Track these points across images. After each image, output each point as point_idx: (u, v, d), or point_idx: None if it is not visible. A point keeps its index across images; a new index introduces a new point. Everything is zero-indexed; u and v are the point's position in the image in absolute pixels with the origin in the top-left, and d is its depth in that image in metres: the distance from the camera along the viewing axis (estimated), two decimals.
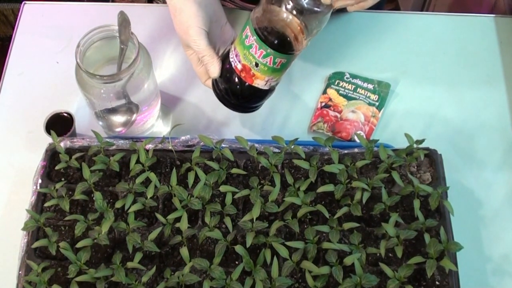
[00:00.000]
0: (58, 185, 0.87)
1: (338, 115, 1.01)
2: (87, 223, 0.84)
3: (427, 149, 0.90)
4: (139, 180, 0.87)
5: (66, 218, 0.85)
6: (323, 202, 0.87)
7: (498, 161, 0.99)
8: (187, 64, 1.09)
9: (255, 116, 1.03)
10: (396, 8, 2.07)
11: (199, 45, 0.85)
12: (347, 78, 1.05)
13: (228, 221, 0.84)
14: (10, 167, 0.99)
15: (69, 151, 0.91)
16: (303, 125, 1.03)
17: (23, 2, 1.15)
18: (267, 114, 1.03)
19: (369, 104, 1.02)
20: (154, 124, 1.01)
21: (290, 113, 1.04)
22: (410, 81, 1.07)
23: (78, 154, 0.90)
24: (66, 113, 0.97)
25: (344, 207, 0.84)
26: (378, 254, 0.83)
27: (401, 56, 1.09)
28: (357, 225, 0.82)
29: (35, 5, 1.16)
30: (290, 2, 0.75)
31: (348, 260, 0.79)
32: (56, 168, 0.89)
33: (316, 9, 0.76)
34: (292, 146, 0.89)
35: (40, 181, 0.89)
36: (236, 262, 0.83)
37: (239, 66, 0.82)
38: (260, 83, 0.82)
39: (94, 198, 0.86)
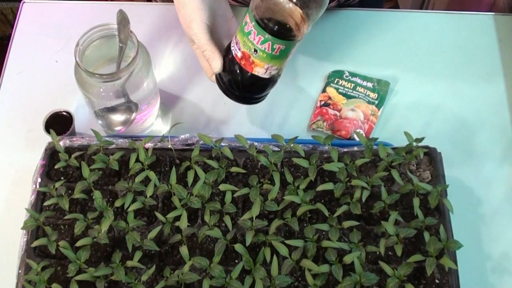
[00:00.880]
0: (57, 184, 0.87)
1: (338, 114, 1.01)
2: (87, 222, 0.84)
3: (426, 147, 0.90)
4: (138, 179, 0.87)
5: (66, 217, 0.85)
6: (322, 201, 0.87)
7: (498, 159, 0.99)
8: (187, 63, 1.09)
9: (254, 115, 1.03)
10: (395, 6, 2.07)
11: (200, 39, 0.84)
12: (346, 76, 1.05)
13: (227, 220, 0.84)
14: (9, 166, 0.99)
15: (69, 150, 0.91)
16: (303, 124, 1.03)
17: (22, 1, 1.15)
18: (266, 113, 1.03)
19: (369, 102, 1.02)
20: (153, 123, 1.01)
21: (289, 112, 1.04)
22: (410, 79, 1.07)
23: (77, 153, 0.90)
24: (65, 112, 0.97)
25: (344, 205, 0.84)
26: (377, 253, 0.83)
27: (400, 54, 1.09)
28: (357, 223, 0.82)
29: (34, 4, 1.15)
30: None
31: (347, 259, 0.79)
32: (56, 167, 0.89)
33: None
34: (292, 145, 0.89)
35: (39, 180, 0.89)
36: (236, 261, 0.83)
37: (239, 54, 0.81)
38: (260, 71, 0.81)
39: (93, 197, 0.86)
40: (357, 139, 0.93)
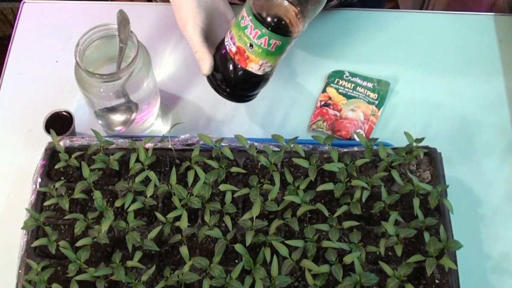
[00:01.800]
0: (57, 184, 0.87)
1: (338, 114, 1.01)
2: (87, 222, 0.84)
3: (426, 147, 0.90)
4: (138, 179, 0.87)
5: (66, 217, 0.85)
6: (322, 201, 0.87)
7: (498, 159, 0.99)
8: (187, 63, 1.09)
9: (254, 115, 1.03)
10: (396, 6, 2.07)
11: (193, 40, 0.85)
12: (346, 76, 1.05)
13: (227, 220, 0.84)
14: (9, 166, 0.99)
15: (69, 150, 0.91)
16: (303, 124, 1.03)
17: (23, 1, 1.15)
18: (266, 113, 1.04)
19: (369, 102, 1.02)
20: (153, 123, 1.01)
21: (289, 112, 1.04)
22: (410, 79, 1.07)
23: (77, 153, 0.90)
24: (65, 112, 0.97)
25: (344, 205, 0.84)
26: (377, 253, 0.83)
27: (400, 55, 1.09)
28: (357, 223, 0.82)
29: (35, 4, 1.15)
30: None
31: (347, 259, 0.79)
32: (56, 167, 0.89)
33: None
34: (292, 145, 0.89)
35: (39, 180, 0.89)
36: (236, 261, 0.83)
37: (234, 49, 0.81)
38: (254, 67, 0.81)
39: (93, 197, 0.86)
40: (357, 139, 0.93)
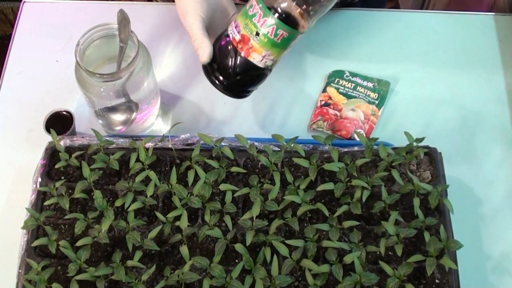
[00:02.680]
0: (58, 184, 0.87)
1: (338, 114, 1.01)
2: (87, 221, 0.84)
3: (427, 147, 0.90)
4: (139, 178, 0.87)
5: (66, 217, 0.85)
6: (323, 201, 0.87)
7: (498, 159, 0.99)
8: (187, 63, 1.09)
9: (255, 115, 1.03)
10: (396, 6, 2.07)
11: (192, 29, 0.84)
12: (347, 76, 1.05)
13: (228, 220, 0.84)
14: (9, 165, 0.99)
15: (69, 150, 0.91)
16: (303, 124, 1.03)
17: (23, 1, 1.15)
18: (267, 113, 1.04)
19: (369, 102, 1.02)
20: (153, 123, 1.01)
21: (290, 112, 1.04)
22: (410, 79, 1.07)
23: (78, 153, 0.90)
24: (65, 111, 0.97)
25: (344, 205, 0.84)
26: (378, 253, 0.83)
27: (401, 54, 1.09)
28: (357, 223, 0.82)
29: (35, 3, 1.15)
30: None
31: (348, 259, 0.79)
32: (56, 166, 0.89)
33: None
34: (292, 145, 0.89)
35: (39, 179, 0.89)
36: (236, 261, 0.83)
37: (238, 37, 0.80)
38: (256, 57, 0.80)
39: (94, 197, 0.86)
40: (357, 139, 0.93)
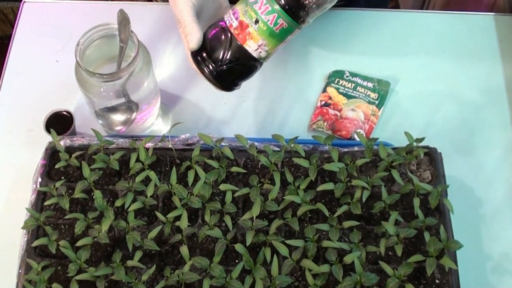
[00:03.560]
0: (58, 184, 0.87)
1: (338, 114, 1.01)
2: (87, 221, 0.84)
3: (427, 147, 0.90)
4: (139, 178, 0.87)
5: (66, 217, 0.85)
6: (323, 201, 0.87)
7: (498, 159, 0.99)
8: (187, 63, 1.08)
9: (255, 115, 1.03)
10: (396, 6, 2.07)
11: (182, 15, 0.82)
12: (347, 76, 1.05)
13: (228, 220, 0.84)
14: (9, 166, 0.99)
15: (69, 150, 0.91)
16: (303, 124, 1.03)
17: (23, 1, 1.15)
18: (267, 113, 1.04)
19: (369, 102, 1.02)
20: (154, 123, 1.01)
21: (290, 112, 1.04)
22: (410, 79, 1.07)
23: (78, 153, 0.90)
24: (65, 111, 0.97)
25: (344, 205, 0.84)
26: (378, 253, 0.83)
27: (401, 55, 1.09)
28: (357, 223, 0.82)
29: (35, 3, 1.15)
30: None
31: (348, 259, 0.79)
32: (56, 166, 0.89)
33: None
34: (292, 145, 0.89)
35: (40, 179, 0.89)
36: (236, 261, 0.83)
37: (235, 23, 0.79)
38: (252, 45, 0.79)
39: (94, 197, 0.86)
40: (357, 139, 0.93)
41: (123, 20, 0.88)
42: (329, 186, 0.85)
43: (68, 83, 0.98)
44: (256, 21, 0.78)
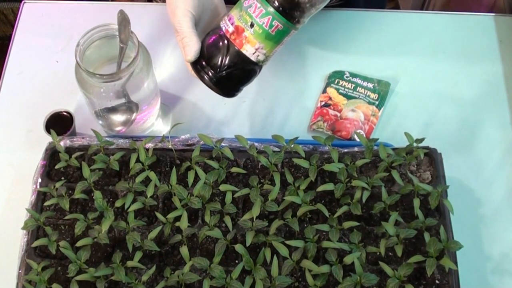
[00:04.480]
0: (58, 184, 0.87)
1: (338, 114, 1.01)
2: (87, 222, 0.84)
3: (427, 148, 0.90)
4: (139, 179, 0.87)
5: (66, 217, 0.85)
6: (323, 201, 0.87)
7: (498, 160, 0.99)
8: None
9: (255, 115, 1.03)
10: (396, 7, 2.07)
11: (182, 25, 0.82)
12: (347, 77, 1.05)
13: (228, 220, 0.84)
14: (9, 166, 0.99)
15: (69, 150, 0.91)
16: (303, 124, 1.03)
17: (23, 1, 1.15)
18: (267, 113, 1.04)
19: (369, 103, 1.02)
20: (154, 123, 1.01)
21: (290, 112, 1.04)
22: (410, 80, 1.07)
23: (78, 153, 0.90)
24: (66, 112, 0.97)
25: (344, 206, 0.84)
26: (378, 253, 0.83)
27: (401, 55, 1.09)
28: (357, 224, 0.82)
29: (35, 4, 1.16)
30: None
31: (348, 259, 0.79)
32: (56, 167, 0.89)
33: None
34: (292, 145, 0.89)
35: (40, 180, 0.89)
36: (236, 261, 0.83)
37: (231, 29, 0.79)
38: (249, 49, 0.79)
39: (94, 197, 0.86)
40: (357, 139, 0.93)
41: (123, 20, 0.88)
42: (329, 186, 0.85)
43: (68, 83, 0.98)
44: (252, 25, 0.78)
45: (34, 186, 0.89)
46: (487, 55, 1.09)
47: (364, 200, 0.84)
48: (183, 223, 0.83)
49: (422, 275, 0.82)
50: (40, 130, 0.95)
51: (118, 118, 0.94)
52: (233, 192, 0.86)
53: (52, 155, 0.92)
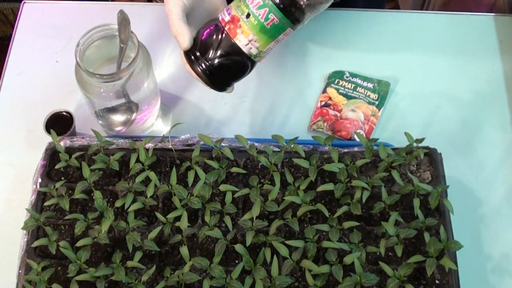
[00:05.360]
0: (58, 184, 0.87)
1: (338, 114, 1.01)
2: (87, 222, 0.84)
3: (426, 148, 0.90)
4: (139, 179, 0.87)
5: (66, 217, 0.85)
6: (323, 201, 0.87)
7: (498, 159, 0.99)
8: None
9: (255, 115, 1.03)
10: (396, 7, 2.07)
11: (172, 14, 0.81)
12: (347, 77, 1.05)
13: (228, 220, 0.84)
14: (10, 166, 0.99)
15: (69, 150, 0.91)
16: (303, 124, 1.03)
17: (23, 2, 1.15)
18: (267, 113, 1.04)
19: (369, 103, 1.02)
20: (154, 123, 1.01)
21: (290, 112, 1.04)
22: (410, 80, 1.07)
23: (78, 153, 0.90)
24: (66, 112, 0.97)
25: (344, 206, 0.84)
26: (378, 253, 0.83)
27: (400, 55, 1.09)
28: (357, 224, 0.82)
29: (35, 4, 1.16)
30: None
31: (348, 259, 0.79)
32: (56, 167, 0.89)
33: None
34: (292, 145, 0.89)
35: (40, 180, 0.89)
36: (236, 261, 0.83)
37: (227, 18, 0.79)
38: (242, 40, 0.79)
39: (94, 197, 0.86)
40: (357, 139, 0.93)
41: (123, 20, 0.88)
42: (329, 186, 0.85)
43: (68, 83, 0.98)
44: (248, 15, 0.78)
45: (34, 186, 0.89)
46: (487, 55, 1.09)
47: (364, 200, 0.84)
48: (183, 223, 0.83)
49: (422, 275, 0.82)
50: (40, 130, 0.95)
51: (118, 118, 0.94)
52: (233, 192, 0.86)
53: (52, 155, 0.92)
